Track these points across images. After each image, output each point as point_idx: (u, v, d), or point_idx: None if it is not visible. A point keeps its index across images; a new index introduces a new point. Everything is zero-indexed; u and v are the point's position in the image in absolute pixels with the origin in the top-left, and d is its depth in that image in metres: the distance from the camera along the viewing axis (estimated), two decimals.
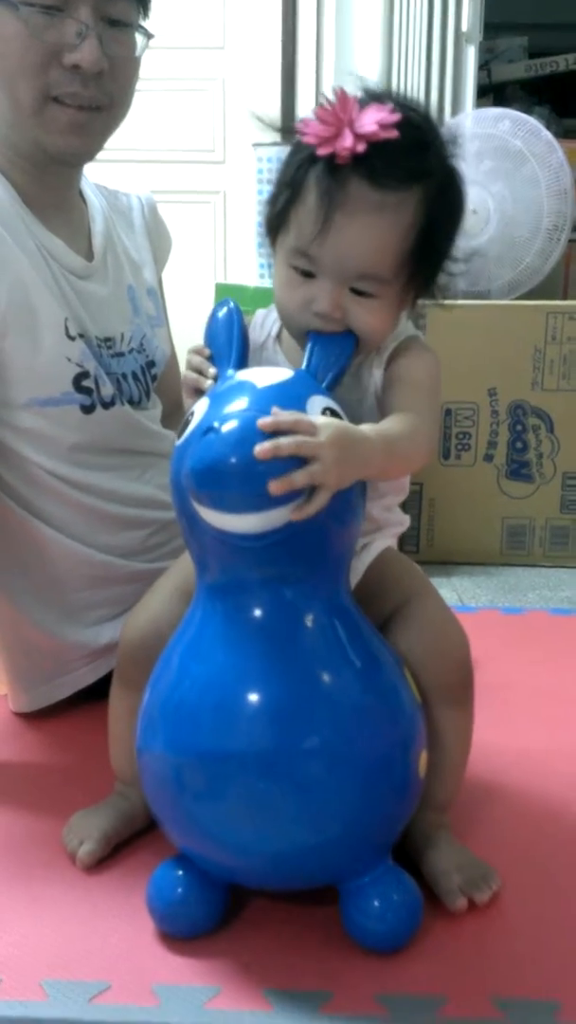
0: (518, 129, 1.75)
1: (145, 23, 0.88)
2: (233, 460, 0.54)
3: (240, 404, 0.57)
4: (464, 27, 1.86)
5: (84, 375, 0.91)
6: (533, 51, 2.70)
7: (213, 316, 0.67)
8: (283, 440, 0.54)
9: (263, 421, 0.54)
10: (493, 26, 2.31)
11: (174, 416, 1.10)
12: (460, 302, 1.72)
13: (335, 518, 0.59)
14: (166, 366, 1.08)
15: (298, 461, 0.54)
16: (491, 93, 2.56)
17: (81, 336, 0.91)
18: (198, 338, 0.69)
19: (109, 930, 0.66)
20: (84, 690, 0.98)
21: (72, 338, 0.90)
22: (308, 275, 0.64)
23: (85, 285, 0.94)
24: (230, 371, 0.64)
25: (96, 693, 0.96)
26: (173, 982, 0.61)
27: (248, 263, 2.13)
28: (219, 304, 0.68)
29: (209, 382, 0.65)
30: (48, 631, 0.95)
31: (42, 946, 0.65)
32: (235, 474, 0.54)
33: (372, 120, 0.59)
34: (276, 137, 0.74)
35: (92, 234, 0.97)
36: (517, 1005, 0.59)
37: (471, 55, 1.91)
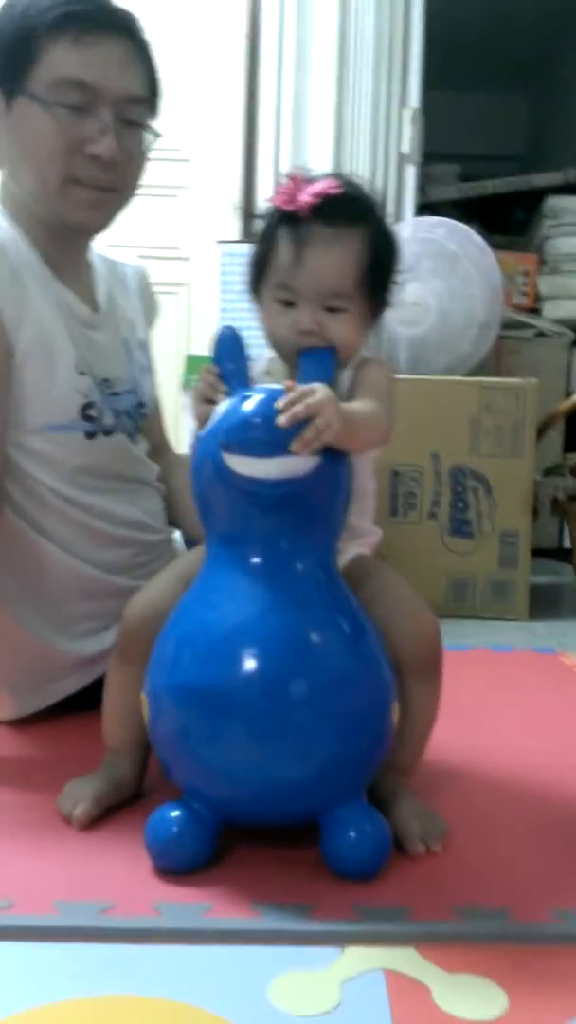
0: (452, 234, 2.01)
1: (153, 123, 1.06)
2: (260, 415, 0.72)
3: (260, 394, 0.74)
4: (405, 149, 2.15)
5: (90, 405, 1.05)
6: (463, 177, 3.08)
7: (220, 339, 0.82)
8: (296, 407, 0.71)
9: (279, 402, 0.72)
10: (428, 155, 2.65)
11: (155, 456, 1.24)
12: (405, 376, 1.93)
13: (329, 485, 0.75)
14: (153, 410, 1.23)
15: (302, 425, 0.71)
16: (427, 212, 2.90)
17: (88, 373, 1.05)
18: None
19: (110, 866, 0.74)
20: (67, 701, 1.07)
21: (81, 373, 1.04)
22: (289, 304, 0.82)
23: (91, 333, 1.09)
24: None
25: (77, 705, 1.05)
26: (172, 900, 0.69)
27: (209, 341, 2.32)
28: (224, 328, 0.83)
29: (222, 396, 0.79)
30: (41, 639, 1.05)
31: (51, 876, 0.72)
32: (261, 425, 0.71)
33: (321, 184, 0.81)
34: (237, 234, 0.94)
35: (96, 292, 1.14)
36: (472, 911, 0.69)
37: (411, 173, 2.21)
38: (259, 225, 0.85)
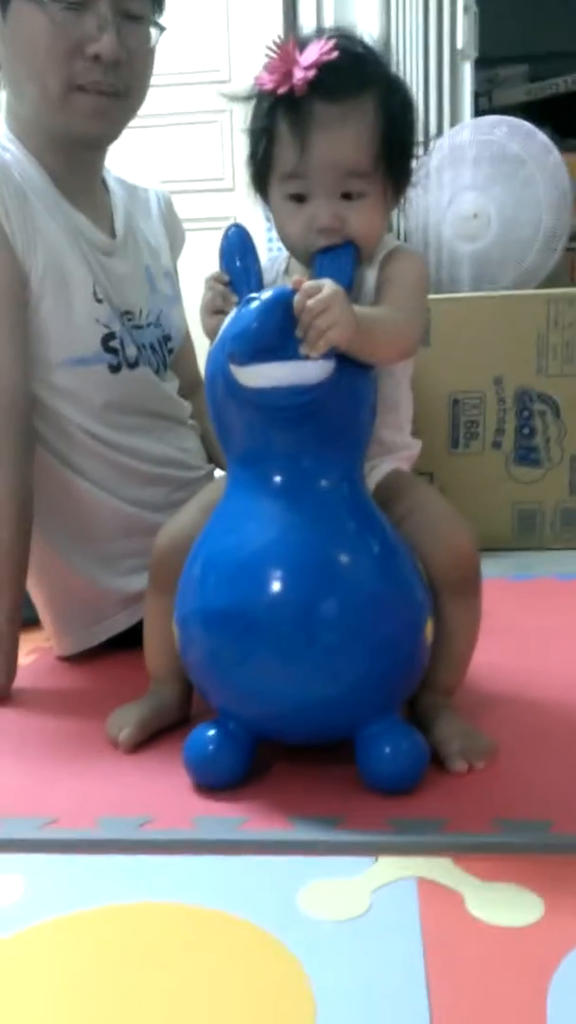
0: (514, 133, 1.93)
1: (158, 17, 1.04)
2: (262, 318, 0.69)
3: (264, 295, 0.72)
4: (459, 44, 2.06)
5: (111, 336, 1.07)
6: (533, 78, 2.92)
7: (227, 240, 0.79)
8: (309, 301, 0.69)
9: (297, 301, 0.69)
10: (494, 58, 2.52)
11: (190, 394, 1.25)
12: (463, 295, 1.88)
13: (348, 396, 0.74)
14: (182, 344, 1.23)
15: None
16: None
17: (106, 302, 1.06)
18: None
19: (152, 784, 0.79)
20: (119, 637, 1.11)
21: (100, 301, 1.05)
22: (301, 199, 0.78)
23: (108, 260, 1.09)
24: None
25: (127, 642, 1.09)
26: (209, 814, 0.73)
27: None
28: (230, 227, 0.79)
29: (233, 304, 0.77)
30: (88, 578, 1.09)
31: (95, 795, 0.77)
32: (263, 329, 0.69)
33: (314, 51, 0.74)
34: None
35: (114, 217, 1.14)
36: (513, 824, 0.70)
37: (467, 71, 2.11)
38: (251, 110, 0.79)
